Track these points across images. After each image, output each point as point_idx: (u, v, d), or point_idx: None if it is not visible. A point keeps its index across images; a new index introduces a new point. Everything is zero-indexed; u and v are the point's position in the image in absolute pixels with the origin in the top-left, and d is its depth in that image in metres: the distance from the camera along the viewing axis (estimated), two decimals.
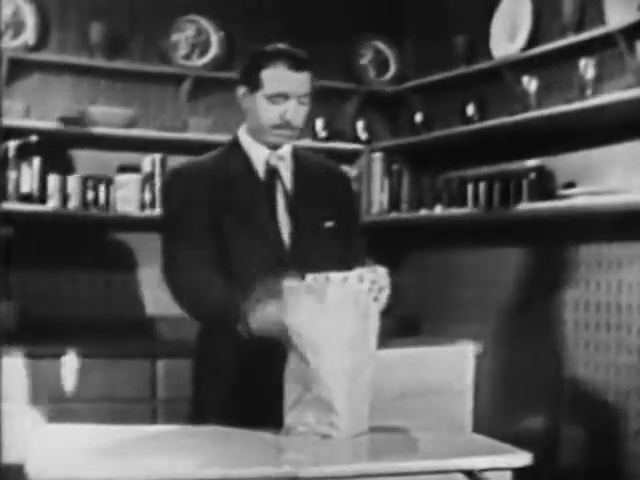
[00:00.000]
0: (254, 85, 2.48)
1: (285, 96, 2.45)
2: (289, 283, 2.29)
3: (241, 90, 2.53)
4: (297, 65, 2.45)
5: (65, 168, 4.47)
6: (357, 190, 4.93)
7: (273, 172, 2.54)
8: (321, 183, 2.59)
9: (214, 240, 2.45)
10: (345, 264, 2.39)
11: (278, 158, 2.55)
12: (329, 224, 2.55)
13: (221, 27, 4.83)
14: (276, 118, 2.47)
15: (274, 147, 2.54)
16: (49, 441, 2.18)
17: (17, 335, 4.08)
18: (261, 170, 2.54)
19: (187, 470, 1.96)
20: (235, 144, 2.58)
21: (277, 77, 2.45)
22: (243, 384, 2.40)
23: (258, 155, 2.55)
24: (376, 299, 2.35)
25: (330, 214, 2.57)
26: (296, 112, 2.47)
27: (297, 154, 2.61)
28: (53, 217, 4.41)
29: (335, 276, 2.30)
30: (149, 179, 4.54)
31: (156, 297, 4.65)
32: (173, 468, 1.97)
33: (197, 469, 1.98)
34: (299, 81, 2.46)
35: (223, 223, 2.46)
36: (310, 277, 2.31)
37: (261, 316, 2.26)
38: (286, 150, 2.57)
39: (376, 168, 4.96)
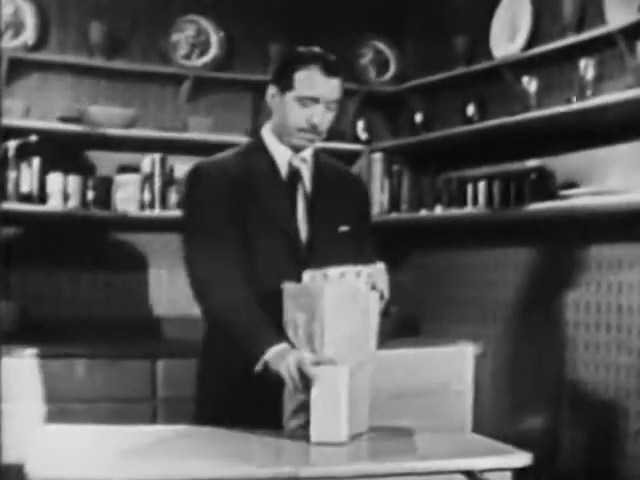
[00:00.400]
0: (285, 86, 2.49)
1: (315, 100, 2.46)
2: (287, 285, 2.29)
3: (271, 90, 2.53)
4: (330, 70, 2.47)
5: (65, 168, 4.46)
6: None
7: (295, 173, 2.56)
8: (340, 187, 2.62)
9: (237, 236, 2.46)
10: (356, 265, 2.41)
11: (300, 160, 2.57)
12: (345, 228, 2.57)
13: (221, 27, 4.83)
14: (303, 121, 2.48)
15: (297, 149, 2.55)
16: (49, 441, 2.18)
17: (17, 335, 4.07)
18: (284, 171, 2.56)
19: (187, 470, 1.96)
20: (258, 143, 2.59)
21: (310, 80, 2.46)
22: (247, 384, 2.41)
23: (281, 156, 2.56)
24: (379, 294, 2.36)
25: (346, 218, 2.60)
26: (323, 117, 2.48)
27: (318, 157, 2.62)
28: (53, 217, 4.40)
29: (333, 272, 2.30)
30: (149, 179, 4.54)
31: (157, 297, 4.66)
32: (173, 468, 1.97)
33: (197, 469, 1.98)
34: (331, 86, 2.47)
35: (246, 220, 2.48)
36: (308, 275, 2.31)
37: (280, 357, 2.26)
38: (308, 153, 2.58)
39: (376, 168, 4.96)
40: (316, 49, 2.53)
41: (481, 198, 4.27)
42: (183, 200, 2.77)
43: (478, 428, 3.81)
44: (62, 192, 4.39)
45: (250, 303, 2.38)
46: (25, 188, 4.32)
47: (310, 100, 2.46)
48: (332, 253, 2.49)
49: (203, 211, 2.49)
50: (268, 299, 2.36)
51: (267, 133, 2.58)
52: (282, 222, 2.50)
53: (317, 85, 2.46)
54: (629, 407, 3.79)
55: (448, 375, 4.29)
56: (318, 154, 2.63)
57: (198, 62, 4.80)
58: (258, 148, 2.58)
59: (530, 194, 4.02)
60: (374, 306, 2.37)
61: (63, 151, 4.52)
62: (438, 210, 4.57)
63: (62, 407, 3.87)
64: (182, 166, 4.39)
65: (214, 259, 2.42)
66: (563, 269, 4.12)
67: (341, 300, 2.24)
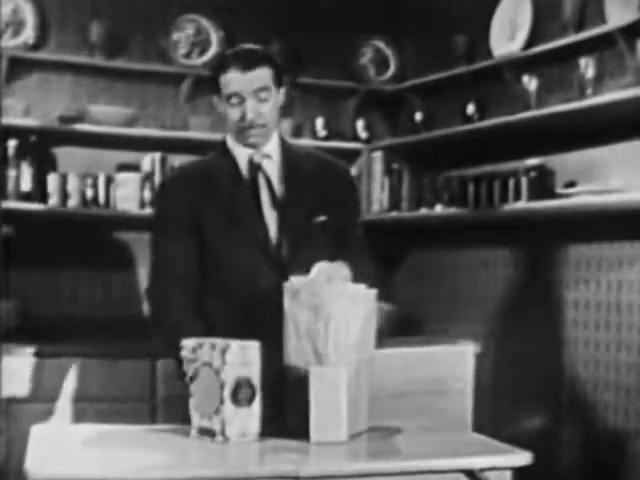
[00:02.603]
0: (218, 92, 2.56)
1: (239, 96, 2.51)
2: (288, 282, 2.29)
3: (214, 97, 2.60)
4: (246, 65, 2.50)
5: (65, 167, 4.47)
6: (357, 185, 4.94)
7: (256, 170, 2.57)
8: (313, 177, 2.62)
9: (199, 243, 2.53)
10: (340, 258, 2.41)
11: (263, 156, 2.59)
12: (320, 218, 2.57)
13: (221, 26, 4.82)
14: (238, 120, 2.53)
15: (255, 146, 2.58)
16: (48, 440, 2.18)
17: (17, 334, 4.07)
18: (245, 169, 2.59)
19: (186, 469, 1.96)
20: (222, 147, 2.64)
21: (229, 80, 2.51)
22: None
23: (242, 155, 2.60)
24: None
25: (322, 208, 2.59)
26: (255, 110, 2.52)
27: (287, 150, 2.64)
28: (53, 216, 4.41)
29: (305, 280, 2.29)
30: (149, 178, 4.54)
31: None
32: (172, 467, 1.97)
33: (197, 468, 1.98)
34: (249, 79, 2.50)
35: (207, 225, 2.53)
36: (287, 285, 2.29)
37: None
38: (272, 147, 2.61)
39: (376, 167, 4.96)
40: (237, 48, 2.58)
41: (481, 197, 4.27)
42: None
43: (478, 427, 3.82)
44: (62, 191, 4.39)
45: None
46: (25, 187, 4.32)
47: (235, 98, 2.51)
48: (307, 246, 2.51)
49: (165, 222, 2.57)
50: (242, 302, 2.38)
51: (229, 136, 2.63)
52: (245, 221, 2.52)
53: (234, 82, 2.51)
54: (629, 406, 3.79)
55: (448, 374, 4.29)
56: (288, 147, 2.65)
57: (198, 61, 4.80)
58: (222, 152, 2.63)
59: (530, 193, 4.02)
60: (373, 305, 2.37)
61: (63, 150, 4.52)
62: (438, 209, 4.56)
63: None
64: None
65: (167, 275, 2.53)
66: (563, 267, 4.12)
67: (346, 299, 2.24)
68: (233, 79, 2.50)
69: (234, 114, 2.53)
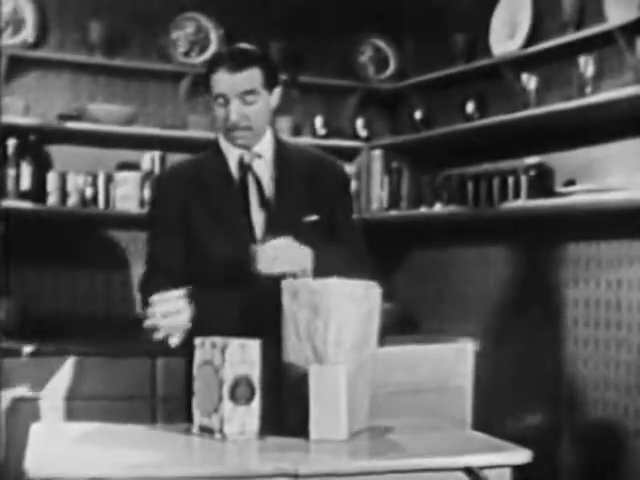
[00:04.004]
0: (209, 91, 2.55)
1: (225, 97, 2.50)
2: (286, 281, 2.29)
3: (208, 96, 2.59)
4: (235, 66, 2.49)
5: (64, 165, 4.47)
6: (356, 186, 4.94)
7: (246, 170, 2.58)
8: (305, 177, 2.61)
9: (187, 241, 2.54)
10: (333, 255, 2.42)
11: (254, 156, 2.59)
12: (311, 218, 2.56)
13: (221, 24, 4.82)
14: (223, 121, 2.53)
15: (245, 146, 2.58)
16: (48, 439, 2.18)
17: (17, 333, 4.07)
18: (235, 169, 2.59)
19: (186, 467, 1.97)
20: (214, 146, 2.64)
21: (217, 80, 2.51)
22: None
23: (232, 155, 2.60)
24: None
25: (314, 208, 2.58)
26: (239, 112, 2.51)
27: (280, 149, 2.63)
28: (52, 215, 4.41)
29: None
30: (149, 177, 4.53)
31: None
32: (171, 466, 1.97)
33: (196, 466, 1.98)
34: (236, 81, 2.49)
35: (195, 224, 2.54)
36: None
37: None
38: (264, 147, 2.60)
39: (376, 165, 4.96)
40: (231, 47, 2.59)
41: (481, 195, 4.27)
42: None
43: (477, 425, 3.82)
44: (61, 190, 4.39)
45: None
46: (25, 186, 4.32)
47: (221, 98, 2.50)
48: None
49: (156, 219, 2.61)
50: (229, 301, 2.38)
51: (221, 135, 2.62)
52: (231, 221, 2.52)
53: (221, 83, 2.50)
54: (628, 404, 3.79)
55: (448, 372, 4.29)
56: (282, 146, 2.64)
57: (197, 60, 4.80)
58: (215, 151, 2.63)
59: (529, 191, 4.02)
60: (377, 303, 2.36)
61: (63, 149, 4.52)
62: (437, 207, 4.57)
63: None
64: None
65: (157, 271, 2.55)
66: (562, 266, 4.12)
67: (345, 297, 2.24)
68: (221, 80, 2.50)
69: (219, 115, 2.52)
